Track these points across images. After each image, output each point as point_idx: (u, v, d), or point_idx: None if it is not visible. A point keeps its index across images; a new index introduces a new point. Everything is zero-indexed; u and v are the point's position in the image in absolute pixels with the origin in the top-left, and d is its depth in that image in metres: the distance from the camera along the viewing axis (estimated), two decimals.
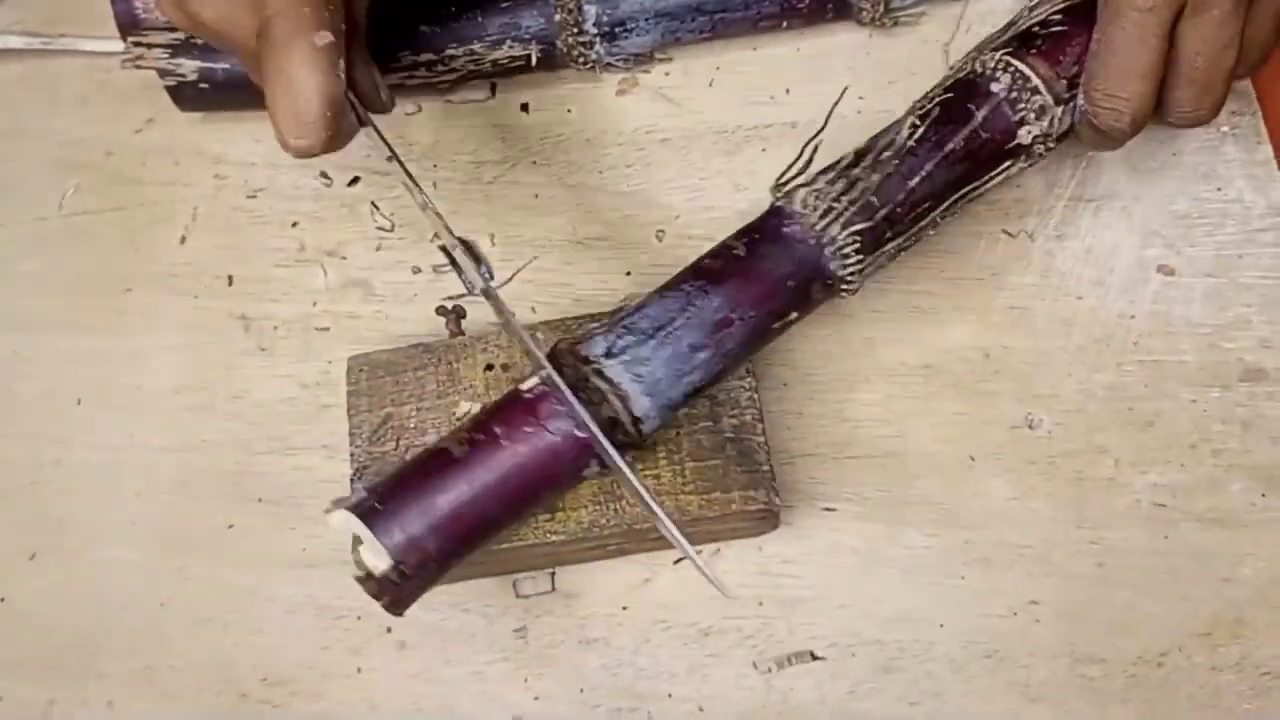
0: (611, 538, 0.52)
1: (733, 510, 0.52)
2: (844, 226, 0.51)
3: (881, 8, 0.64)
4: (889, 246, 0.52)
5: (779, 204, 0.52)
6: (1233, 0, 0.49)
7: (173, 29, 0.64)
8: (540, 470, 0.47)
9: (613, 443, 0.47)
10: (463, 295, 0.62)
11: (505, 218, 0.64)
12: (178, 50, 0.63)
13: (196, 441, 0.61)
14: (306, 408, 0.61)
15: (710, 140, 0.65)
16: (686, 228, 0.63)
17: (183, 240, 0.65)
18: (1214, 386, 0.57)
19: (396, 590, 0.47)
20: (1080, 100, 0.53)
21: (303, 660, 0.56)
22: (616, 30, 0.64)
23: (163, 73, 0.64)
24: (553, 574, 0.56)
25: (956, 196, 0.53)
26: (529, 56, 0.64)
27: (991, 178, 0.53)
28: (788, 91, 0.65)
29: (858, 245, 0.51)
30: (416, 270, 0.63)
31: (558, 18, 0.63)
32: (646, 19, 0.64)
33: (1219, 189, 0.61)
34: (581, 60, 0.65)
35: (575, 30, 0.64)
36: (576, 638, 0.56)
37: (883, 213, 0.51)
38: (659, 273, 0.61)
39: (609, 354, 0.48)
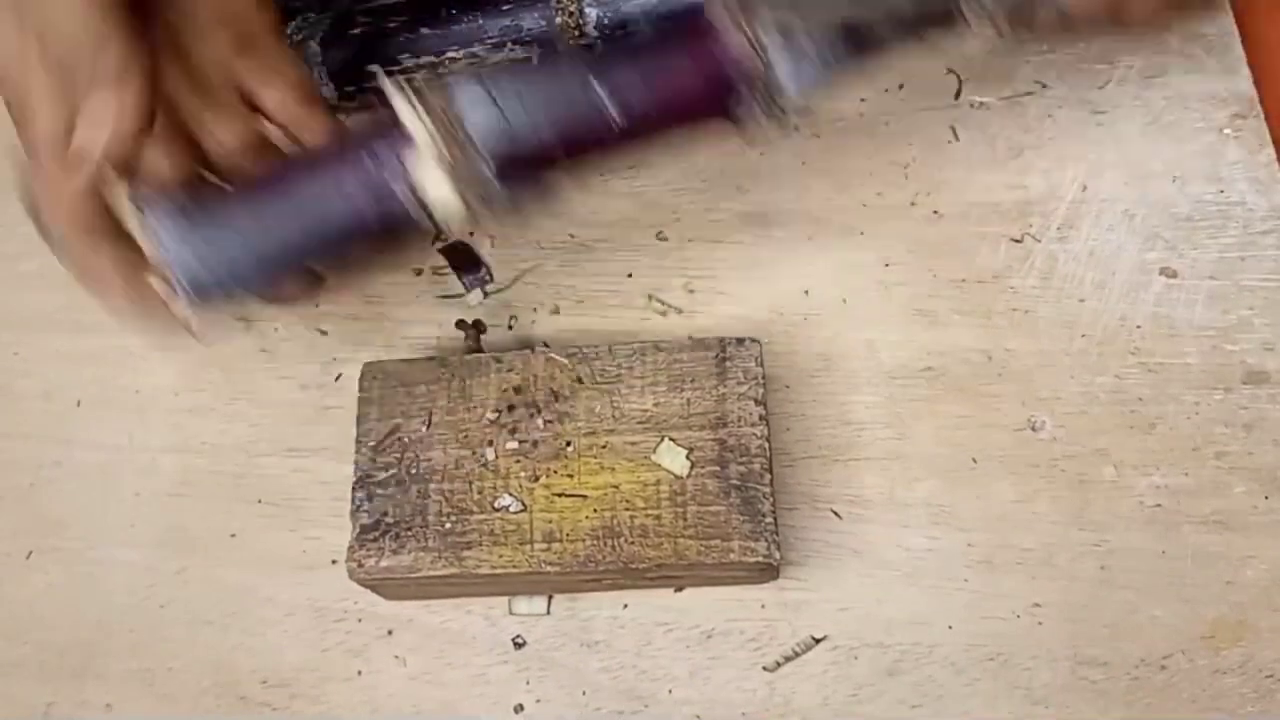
0: (607, 574, 0.52)
1: (731, 560, 0.51)
2: None
3: None
4: None
5: None
6: None
7: None
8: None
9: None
10: (461, 296, 0.62)
11: (506, 220, 0.64)
12: None
13: (196, 443, 0.61)
14: (307, 410, 0.61)
15: (712, 143, 0.65)
16: (688, 230, 0.63)
17: None
18: (1216, 389, 0.57)
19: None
20: None
21: (302, 663, 0.56)
22: (618, 33, 0.64)
23: None
24: (549, 598, 0.56)
25: None
26: (530, 59, 0.64)
27: None
28: None
29: None
30: (418, 271, 0.63)
31: (559, 20, 0.63)
32: (648, 22, 0.64)
33: (1221, 191, 0.61)
34: None
35: (576, 33, 0.64)
36: (578, 640, 0.55)
37: None
38: (661, 274, 0.61)
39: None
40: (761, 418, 0.53)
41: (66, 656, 0.57)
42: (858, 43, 0.49)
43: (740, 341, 0.54)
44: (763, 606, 0.55)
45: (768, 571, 0.53)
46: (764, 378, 0.54)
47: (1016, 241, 0.61)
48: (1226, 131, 0.62)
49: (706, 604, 0.55)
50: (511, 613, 0.56)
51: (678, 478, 0.52)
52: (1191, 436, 0.56)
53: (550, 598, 0.56)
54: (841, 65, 0.49)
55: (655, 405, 0.54)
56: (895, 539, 0.56)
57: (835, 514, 0.56)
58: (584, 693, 0.55)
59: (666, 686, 0.54)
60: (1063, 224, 0.61)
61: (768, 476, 0.52)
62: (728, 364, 0.54)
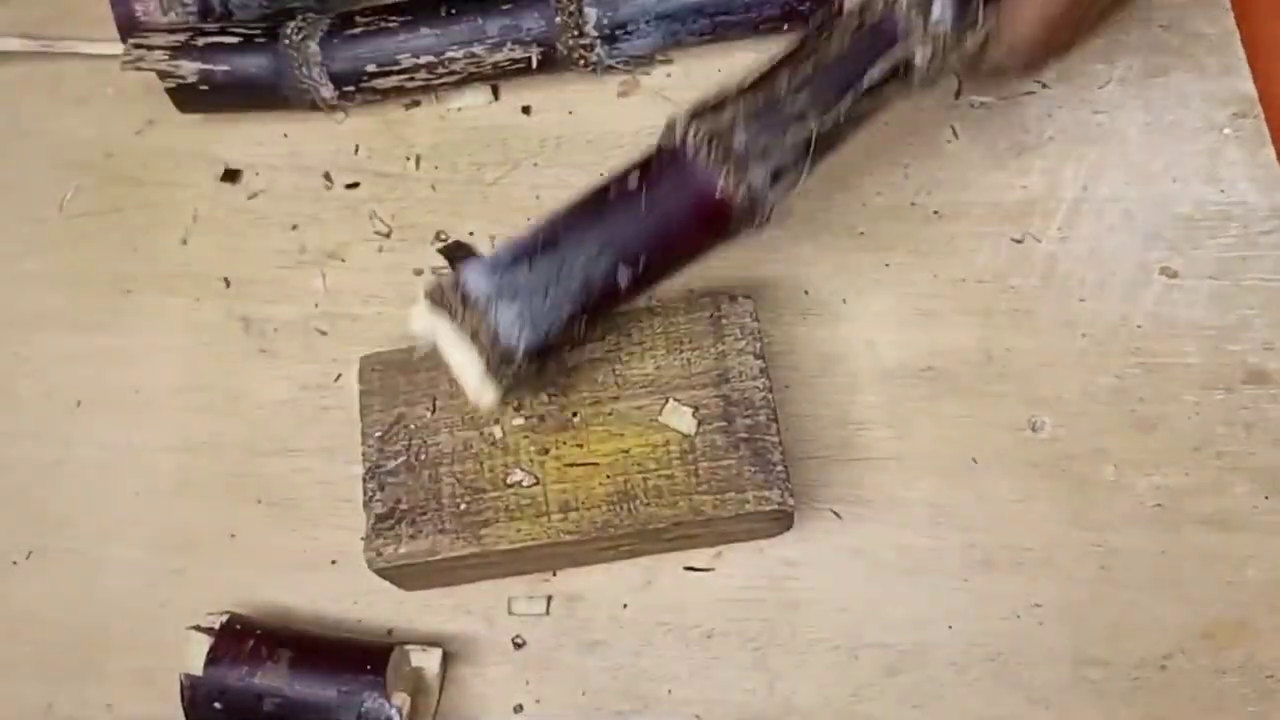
0: (624, 538, 0.52)
1: (746, 511, 0.51)
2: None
3: None
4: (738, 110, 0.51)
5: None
6: None
7: (172, 31, 0.64)
8: None
9: None
10: None
11: (506, 219, 0.64)
12: (177, 52, 0.63)
13: (196, 443, 0.61)
14: (307, 409, 0.61)
15: None
16: None
17: (183, 241, 0.65)
18: (1217, 389, 0.57)
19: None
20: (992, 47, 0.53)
21: None
22: (617, 33, 0.64)
23: (162, 75, 0.64)
24: (549, 598, 0.56)
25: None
26: (530, 59, 0.64)
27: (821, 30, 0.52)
28: None
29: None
30: (418, 272, 0.63)
31: (558, 20, 0.63)
32: (647, 21, 0.64)
33: (1222, 191, 0.61)
34: (582, 63, 0.65)
35: (576, 33, 0.64)
36: (578, 640, 0.55)
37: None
38: None
39: None
40: (762, 370, 0.54)
41: (66, 656, 0.57)
42: (828, 143, 0.52)
43: (733, 298, 0.55)
44: (763, 606, 0.55)
45: (783, 520, 0.54)
46: (760, 332, 0.54)
47: (1017, 241, 0.61)
48: (1226, 131, 0.62)
49: (706, 604, 0.55)
50: (511, 613, 0.56)
51: (686, 436, 0.53)
52: (1192, 436, 0.56)
53: (550, 598, 0.56)
54: (815, 165, 0.52)
55: (656, 368, 0.54)
56: (895, 539, 0.56)
57: (835, 514, 0.56)
58: (584, 693, 0.55)
59: (666, 686, 0.54)
60: (1063, 224, 0.61)
61: (774, 427, 0.53)
62: (723, 321, 0.55)
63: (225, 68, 0.64)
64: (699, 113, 0.51)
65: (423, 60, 0.64)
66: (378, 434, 0.54)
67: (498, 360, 0.50)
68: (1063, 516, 0.55)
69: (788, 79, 0.51)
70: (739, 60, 0.66)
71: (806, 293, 0.61)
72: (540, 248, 0.50)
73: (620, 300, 0.52)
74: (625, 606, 0.56)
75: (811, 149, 0.51)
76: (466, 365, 0.50)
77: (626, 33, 0.64)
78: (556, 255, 0.50)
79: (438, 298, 0.50)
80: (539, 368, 0.51)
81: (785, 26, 0.65)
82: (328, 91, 0.65)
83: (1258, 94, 0.62)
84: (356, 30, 0.63)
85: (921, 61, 0.51)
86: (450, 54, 0.64)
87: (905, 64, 0.51)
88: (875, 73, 0.51)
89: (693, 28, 0.64)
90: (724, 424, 0.53)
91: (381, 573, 0.53)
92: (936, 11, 0.51)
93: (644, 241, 0.51)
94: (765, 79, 0.51)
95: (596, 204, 0.51)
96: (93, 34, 0.69)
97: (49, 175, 0.68)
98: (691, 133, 0.50)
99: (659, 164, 0.51)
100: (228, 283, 0.64)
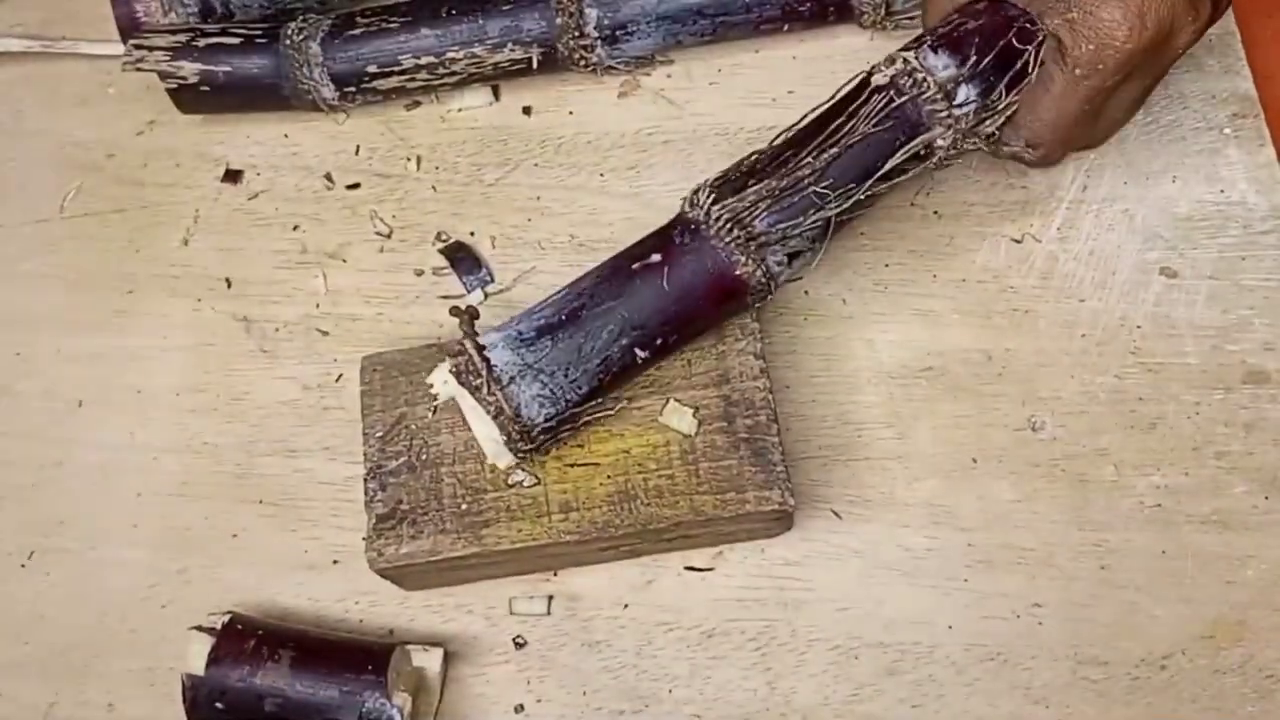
0: (625, 538, 0.53)
1: (747, 511, 0.51)
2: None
3: (883, 10, 0.64)
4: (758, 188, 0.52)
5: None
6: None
7: (173, 31, 0.64)
8: None
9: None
10: (462, 296, 0.62)
11: (506, 220, 0.64)
12: (178, 53, 0.63)
13: (197, 443, 0.61)
14: (308, 410, 0.61)
15: (712, 142, 0.65)
16: None
17: (185, 242, 0.65)
18: (1216, 389, 0.57)
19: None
20: (1009, 137, 0.55)
21: None
22: (618, 33, 0.64)
23: (164, 75, 0.64)
24: (550, 598, 0.56)
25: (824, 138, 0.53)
26: (530, 59, 0.64)
27: (853, 114, 0.53)
28: (790, 93, 0.65)
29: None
30: (419, 273, 0.63)
31: (559, 21, 0.63)
32: (648, 22, 0.64)
33: (1222, 191, 0.61)
34: (583, 63, 0.65)
35: (576, 33, 0.64)
36: (579, 640, 0.55)
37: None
38: None
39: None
40: (763, 370, 0.54)
41: (68, 656, 0.57)
42: (844, 224, 0.53)
43: None
44: (763, 606, 0.55)
45: (783, 520, 0.54)
46: (760, 332, 0.54)
47: (1016, 242, 0.61)
48: (1226, 131, 0.62)
49: (707, 604, 0.55)
50: (512, 613, 0.56)
51: (686, 437, 0.53)
52: (1191, 436, 0.56)
53: (550, 598, 0.56)
54: (828, 240, 0.53)
55: (656, 369, 0.54)
56: (895, 539, 0.56)
57: (835, 514, 0.56)
58: (584, 693, 0.55)
59: (667, 686, 0.54)
60: (1063, 224, 0.61)
61: (774, 427, 0.53)
62: (723, 322, 0.55)
63: (226, 68, 0.64)
64: (722, 188, 0.52)
65: (423, 61, 0.64)
66: (379, 434, 0.54)
67: (517, 434, 0.51)
68: (1062, 516, 0.55)
69: (811, 161, 0.52)
70: (739, 61, 0.67)
71: (806, 292, 0.61)
72: (564, 323, 0.51)
73: (635, 374, 0.53)
74: (626, 606, 0.56)
75: (829, 233, 0.53)
76: (485, 432, 0.51)
77: (627, 33, 0.64)
78: (579, 333, 0.51)
79: (462, 367, 0.51)
80: (554, 437, 0.52)
81: (785, 27, 0.65)
82: (329, 92, 0.65)
83: (1257, 94, 0.62)
84: (357, 31, 0.63)
85: (942, 145, 0.53)
86: (451, 55, 0.64)
87: (926, 147, 0.53)
88: (897, 157, 0.52)
89: (693, 29, 0.64)
90: (724, 424, 0.53)
91: (383, 573, 0.53)
92: (961, 96, 0.52)
93: (662, 320, 0.52)
94: (788, 158, 0.52)
95: (619, 278, 0.52)
96: (94, 34, 0.69)
97: (50, 175, 0.68)
98: (715, 214, 0.51)
99: (681, 240, 0.52)
100: (229, 283, 0.64)
